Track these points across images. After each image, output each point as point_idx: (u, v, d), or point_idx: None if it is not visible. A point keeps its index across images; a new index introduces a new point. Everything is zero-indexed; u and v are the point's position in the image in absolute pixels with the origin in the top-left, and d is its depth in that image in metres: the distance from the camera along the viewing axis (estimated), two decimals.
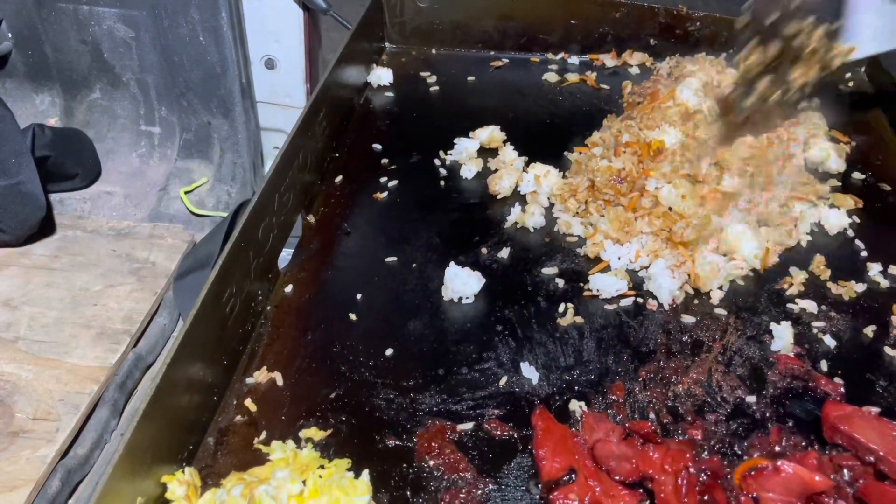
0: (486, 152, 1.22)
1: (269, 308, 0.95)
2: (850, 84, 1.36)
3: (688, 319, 0.93)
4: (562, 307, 0.95)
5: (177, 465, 0.75)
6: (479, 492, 0.74)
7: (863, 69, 1.38)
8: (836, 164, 1.14)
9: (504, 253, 1.03)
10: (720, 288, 0.96)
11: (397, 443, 0.79)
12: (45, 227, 1.34)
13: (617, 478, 0.73)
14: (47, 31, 1.49)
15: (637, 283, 0.98)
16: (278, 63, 1.61)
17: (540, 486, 0.74)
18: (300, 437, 0.79)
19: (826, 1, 0.93)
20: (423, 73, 1.43)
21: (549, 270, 1.00)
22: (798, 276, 0.98)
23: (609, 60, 1.45)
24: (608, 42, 1.46)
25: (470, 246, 1.04)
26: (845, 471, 0.74)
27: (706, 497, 0.71)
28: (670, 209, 1.02)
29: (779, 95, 0.96)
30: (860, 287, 0.96)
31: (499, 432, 0.80)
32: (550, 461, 0.74)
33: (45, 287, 1.24)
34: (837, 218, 1.06)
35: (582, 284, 0.98)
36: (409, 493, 0.74)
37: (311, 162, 1.11)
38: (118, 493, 0.65)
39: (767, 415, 0.81)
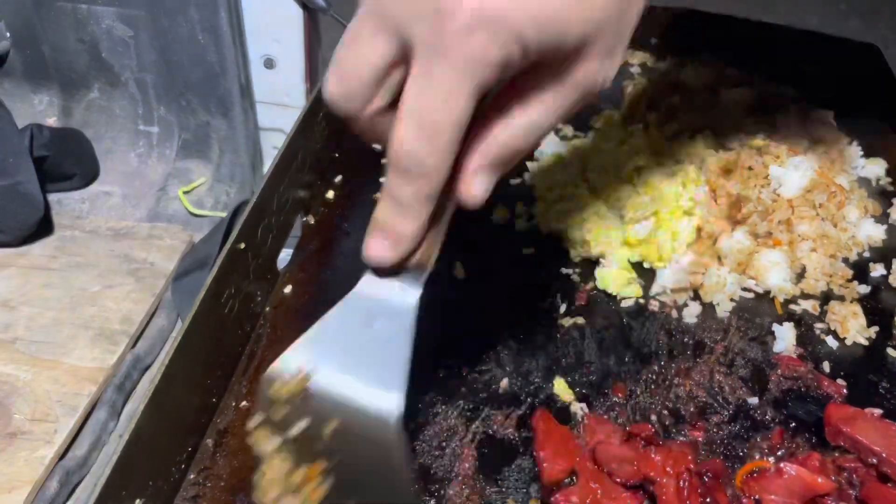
0: None
1: (268, 309, 0.95)
2: (852, 84, 1.36)
3: (690, 320, 0.92)
4: (563, 308, 0.94)
5: (175, 467, 0.75)
6: (480, 494, 0.74)
7: (864, 69, 1.38)
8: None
9: (504, 253, 1.02)
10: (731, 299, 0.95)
11: None
12: (43, 227, 1.33)
13: (618, 480, 0.73)
14: (45, 31, 1.48)
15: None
16: (278, 63, 1.60)
17: (540, 488, 0.74)
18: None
19: None
20: None
21: (550, 270, 1.00)
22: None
23: None
24: None
25: (471, 246, 1.04)
26: (848, 473, 0.74)
27: (708, 499, 0.71)
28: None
29: None
30: (863, 288, 0.96)
31: (499, 434, 0.79)
32: (551, 463, 0.74)
33: (42, 287, 1.23)
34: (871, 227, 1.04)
35: (583, 284, 0.97)
36: None
37: (310, 162, 1.11)
38: (117, 494, 0.65)
39: (769, 416, 0.81)
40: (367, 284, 0.60)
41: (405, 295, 0.59)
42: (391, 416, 0.56)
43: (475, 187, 0.55)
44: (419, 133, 0.51)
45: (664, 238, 0.97)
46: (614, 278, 0.95)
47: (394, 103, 0.54)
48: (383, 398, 0.56)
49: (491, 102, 0.54)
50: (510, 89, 0.53)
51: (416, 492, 0.65)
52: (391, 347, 0.58)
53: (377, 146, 1.28)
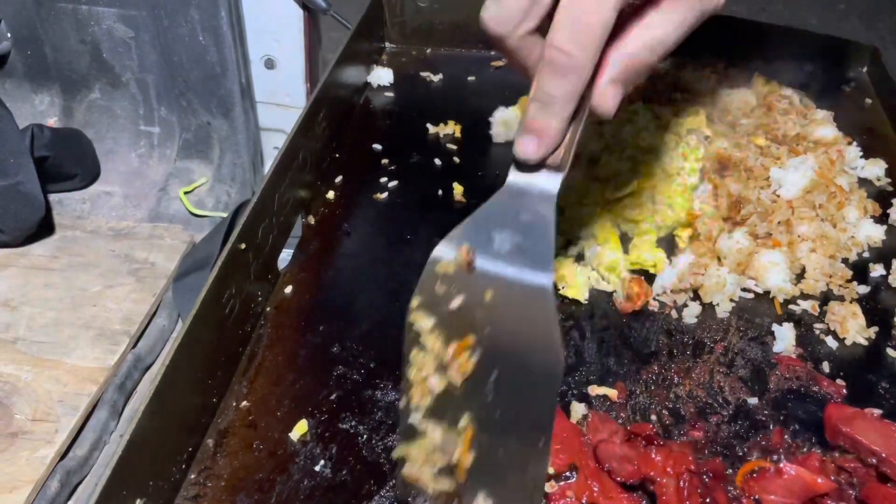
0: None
1: (268, 309, 0.95)
2: (852, 84, 1.36)
3: (689, 321, 0.92)
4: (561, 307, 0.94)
5: (176, 467, 0.75)
6: None
7: (864, 69, 1.38)
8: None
9: None
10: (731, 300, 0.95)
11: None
12: (44, 227, 1.33)
13: (618, 479, 0.73)
14: (46, 31, 1.48)
15: None
16: (278, 63, 1.61)
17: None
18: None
19: None
20: (423, 73, 1.43)
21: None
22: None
23: None
24: None
25: None
26: (847, 473, 0.74)
27: (708, 499, 0.71)
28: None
29: None
30: (863, 289, 0.96)
31: None
32: (553, 457, 0.74)
33: (43, 287, 1.24)
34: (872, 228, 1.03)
35: None
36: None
37: (310, 162, 1.11)
38: (118, 494, 0.65)
39: (769, 416, 0.81)
40: (514, 178, 0.68)
41: (547, 186, 0.67)
42: (545, 287, 0.63)
43: (609, 99, 0.66)
44: (573, 33, 0.61)
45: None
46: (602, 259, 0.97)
47: (540, 29, 0.66)
48: (535, 274, 0.64)
49: (625, 18, 0.65)
50: (639, 9, 0.65)
51: (565, 357, 0.72)
52: (537, 231, 0.66)
53: (377, 146, 1.28)
